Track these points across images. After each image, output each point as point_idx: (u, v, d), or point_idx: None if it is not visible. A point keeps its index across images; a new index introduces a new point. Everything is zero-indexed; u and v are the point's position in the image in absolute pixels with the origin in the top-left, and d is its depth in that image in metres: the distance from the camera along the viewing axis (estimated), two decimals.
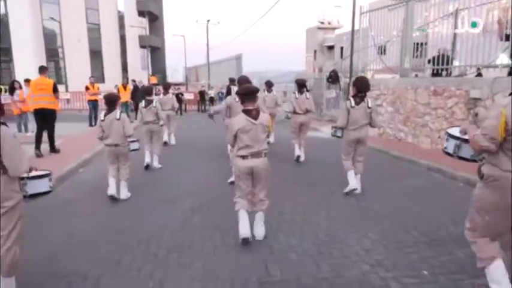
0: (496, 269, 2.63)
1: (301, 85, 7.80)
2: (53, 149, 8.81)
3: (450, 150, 3.14)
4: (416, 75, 10.97)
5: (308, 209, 4.92)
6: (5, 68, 31.98)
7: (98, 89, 14.89)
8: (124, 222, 4.61)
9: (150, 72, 43.97)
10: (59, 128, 9.78)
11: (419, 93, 9.04)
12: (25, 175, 2.90)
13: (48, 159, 7.91)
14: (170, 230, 4.32)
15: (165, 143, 9.86)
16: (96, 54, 37.78)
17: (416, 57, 11.40)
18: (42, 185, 3.22)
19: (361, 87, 5.28)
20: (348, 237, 4.04)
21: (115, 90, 15.22)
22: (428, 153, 7.80)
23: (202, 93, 22.23)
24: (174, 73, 53.97)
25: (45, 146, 8.73)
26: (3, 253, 2.63)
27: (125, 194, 5.60)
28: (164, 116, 9.16)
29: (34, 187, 3.09)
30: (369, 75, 12.62)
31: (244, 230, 3.83)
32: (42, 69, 8.95)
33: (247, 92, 3.84)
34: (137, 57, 41.09)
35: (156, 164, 7.59)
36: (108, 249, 3.82)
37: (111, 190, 5.44)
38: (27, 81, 11.72)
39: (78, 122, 14.35)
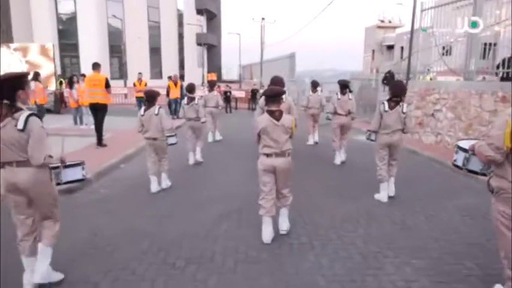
0: None
1: (343, 86, 7.72)
2: (100, 143, 9.09)
3: (459, 163, 3.12)
4: (483, 79, 9.93)
5: (345, 224, 4.47)
6: (73, 64, 34.10)
7: (146, 85, 14.61)
8: (150, 225, 4.45)
9: (206, 70, 44.89)
10: (112, 121, 10.06)
11: (485, 99, 8.11)
12: (60, 164, 3.19)
13: (93, 152, 8.10)
14: (194, 238, 4.09)
15: (217, 141, 10.34)
16: (155, 51, 39.13)
17: (484, 58, 10.37)
18: (75, 173, 3.49)
19: (397, 91, 5.26)
20: (386, 262, 3.55)
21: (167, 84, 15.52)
22: None
23: (253, 92, 22.11)
24: (229, 71, 54.64)
25: (92, 140, 9.02)
26: (51, 225, 3.07)
27: (166, 184, 6.00)
28: (208, 112, 9.53)
29: (68, 175, 3.38)
30: (428, 77, 11.74)
31: (266, 236, 3.97)
32: (95, 66, 9.26)
33: (271, 94, 3.96)
34: (194, 55, 41.97)
35: (198, 157, 7.74)
36: (126, 255, 3.66)
37: (154, 188, 5.80)
38: (83, 76, 12.22)
39: (133, 116, 14.72)
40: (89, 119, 11.89)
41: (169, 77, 17.50)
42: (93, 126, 11.29)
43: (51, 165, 3.04)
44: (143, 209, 5.07)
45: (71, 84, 12.78)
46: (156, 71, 37.69)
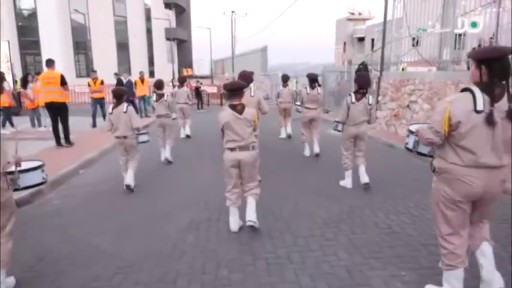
0: (456, 276, 2.68)
1: (312, 80, 7.73)
2: (68, 141, 8.80)
3: (410, 146, 3.30)
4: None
5: (326, 230, 4.06)
6: (37, 62, 32.37)
7: (102, 83, 12.41)
8: (106, 243, 3.89)
9: (177, 65, 43.82)
10: (75, 122, 9.44)
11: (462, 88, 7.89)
12: (15, 169, 2.99)
13: (49, 156, 7.38)
14: (156, 256, 3.57)
15: (188, 136, 10.32)
16: (123, 47, 37.74)
17: (455, 49, 10.25)
18: (34, 177, 3.30)
19: (362, 83, 5.41)
20: (373, 276, 3.15)
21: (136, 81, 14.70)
22: None
23: None
24: (201, 66, 53.67)
25: (50, 143, 8.28)
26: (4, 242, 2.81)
27: (130, 180, 5.65)
28: (178, 109, 9.75)
29: (27, 180, 3.18)
30: (400, 68, 11.57)
31: (233, 225, 4.08)
32: (49, 63, 8.77)
33: (233, 89, 3.99)
34: (163, 50, 40.78)
35: (168, 155, 7.50)
36: (74, 283, 3.11)
37: (127, 181, 5.60)
38: (38, 74, 11.35)
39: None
40: (46, 120, 11.09)
41: (116, 74, 16.81)
42: (51, 128, 10.59)
43: (4, 170, 2.80)
44: (100, 222, 4.49)
45: (25, 84, 11.85)
46: (125, 67, 36.32)
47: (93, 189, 5.80)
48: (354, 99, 5.34)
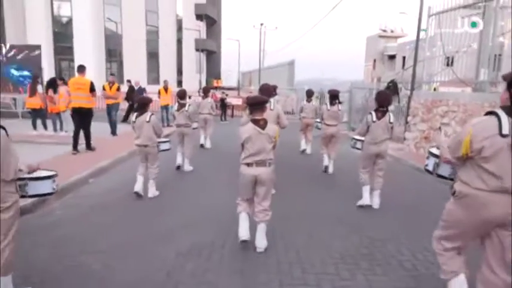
0: (457, 284, 2.70)
1: (333, 96, 7.66)
2: (89, 146, 8.82)
3: (430, 168, 3.26)
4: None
5: (341, 267, 3.58)
6: (71, 67, 33.28)
7: (118, 89, 11.74)
8: (99, 263, 3.57)
9: (205, 76, 44.21)
10: (96, 127, 9.42)
11: None
12: (26, 176, 2.92)
13: (62, 162, 7.24)
14: (147, 283, 3.22)
15: (202, 146, 10.25)
16: (153, 56, 38.42)
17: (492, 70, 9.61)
18: (44, 186, 3.21)
19: (383, 102, 5.34)
20: None
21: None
22: None
23: None
24: (229, 77, 54.00)
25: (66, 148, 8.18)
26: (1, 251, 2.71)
27: (152, 192, 5.78)
28: (201, 119, 9.99)
29: (35, 188, 3.10)
30: (432, 88, 10.96)
31: (243, 232, 3.89)
32: (80, 69, 8.94)
33: (255, 103, 3.88)
34: (192, 60, 41.23)
35: (186, 166, 7.56)
36: None
37: (137, 187, 5.64)
38: (61, 80, 11.42)
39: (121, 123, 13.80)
40: (68, 125, 11.07)
41: (129, 81, 16.27)
42: (72, 133, 10.56)
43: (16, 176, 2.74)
44: (98, 239, 4.19)
45: (50, 88, 11.87)
46: (154, 76, 36.94)
47: (99, 200, 5.55)
48: (374, 118, 5.24)
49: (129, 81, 16.72)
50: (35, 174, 3.08)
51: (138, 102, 5.88)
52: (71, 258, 3.67)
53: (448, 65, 9.93)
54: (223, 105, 19.40)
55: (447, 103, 8.69)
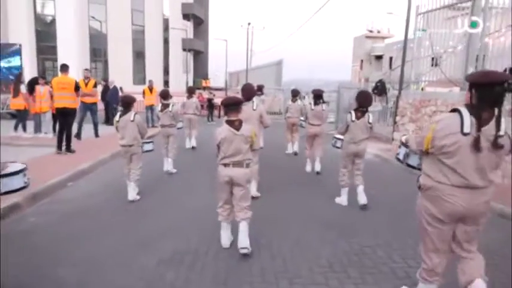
0: None
1: (317, 96, 7.72)
2: (69, 149, 8.48)
3: (401, 157, 3.31)
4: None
5: (332, 277, 3.38)
6: (55, 67, 32.59)
7: (95, 86, 10.82)
8: (72, 276, 3.32)
9: (192, 76, 43.79)
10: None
11: None
12: None
13: (40, 165, 6.91)
14: None
15: (193, 148, 10.15)
16: (139, 56, 37.92)
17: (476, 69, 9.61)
18: (15, 182, 3.09)
19: (363, 102, 5.37)
20: None
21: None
22: (505, 189, 5.90)
23: None
24: (216, 78, 53.60)
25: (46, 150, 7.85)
26: None
27: (132, 196, 5.53)
28: (186, 119, 9.89)
29: (7, 185, 3.00)
30: (420, 88, 10.90)
31: (225, 240, 3.94)
32: (63, 68, 8.70)
33: (229, 103, 3.86)
34: (179, 61, 40.81)
35: (170, 168, 7.43)
36: None
37: (131, 196, 5.52)
38: (43, 78, 11.05)
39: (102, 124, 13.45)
40: (48, 127, 10.72)
41: (105, 80, 15.60)
42: (51, 135, 10.24)
43: None
44: (73, 248, 3.92)
45: (31, 88, 11.48)
46: (140, 76, 36.46)
47: (77, 206, 5.27)
48: (354, 117, 5.30)
49: (105, 80, 16.33)
50: (3, 171, 3.03)
51: (121, 101, 5.73)
52: (45, 271, 3.40)
53: (435, 65, 9.89)
54: (210, 105, 19.15)
55: (435, 103, 8.62)
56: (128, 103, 5.64)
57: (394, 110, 10.06)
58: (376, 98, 12.30)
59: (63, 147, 8.41)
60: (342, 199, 5.59)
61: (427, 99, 8.96)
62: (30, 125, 11.14)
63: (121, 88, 14.47)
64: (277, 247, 3.98)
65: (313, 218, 4.97)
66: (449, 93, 8.81)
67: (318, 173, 7.53)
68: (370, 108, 12.60)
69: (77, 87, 8.44)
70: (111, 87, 13.85)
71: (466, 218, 2.53)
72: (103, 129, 11.57)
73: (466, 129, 2.37)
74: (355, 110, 5.36)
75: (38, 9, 32.49)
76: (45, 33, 32.36)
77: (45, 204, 5.36)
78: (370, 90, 12.32)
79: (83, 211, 5.07)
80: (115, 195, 5.79)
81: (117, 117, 5.60)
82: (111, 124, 12.18)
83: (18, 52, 14.86)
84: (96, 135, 11.02)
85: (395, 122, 10.04)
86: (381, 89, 11.91)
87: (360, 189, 5.45)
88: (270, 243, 4.06)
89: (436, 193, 2.54)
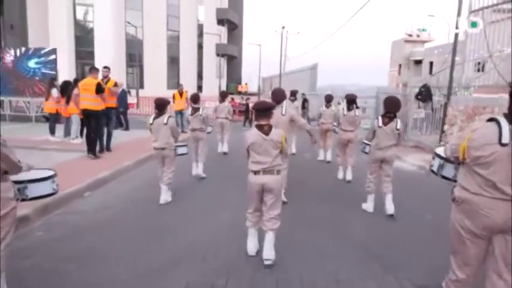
0: None
1: (350, 101, 7.40)
2: (93, 152, 8.17)
3: (435, 169, 3.21)
4: None
5: None
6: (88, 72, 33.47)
7: (116, 86, 9.40)
8: None
9: (226, 81, 43.74)
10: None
11: None
12: (25, 178, 2.89)
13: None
14: None
15: (225, 153, 9.96)
16: (173, 61, 38.28)
17: None
18: (44, 188, 3.12)
19: (390, 107, 5.19)
20: None
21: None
22: None
23: None
24: (250, 83, 53.38)
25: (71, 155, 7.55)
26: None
27: (164, 199, 5.52)
28: (218, 123, 9.93)
29: (35, 190, 3.02)
30: (466, 93, 9.90)
31: (251, 247, 3.80)
32: (91, 70, 8.63)
33: (260, 109, 3.77)
34: (213, 66, 40.87)
35: (200, 172, 7.29)
36: None
37: (163, 200, 5.50)
38: (76, 82, 10.86)
39: (140, 128, 13.13)
40: (77, 131, 10.49)
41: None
42: (76, 140, 10.02)
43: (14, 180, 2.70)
44: (71, 272, 3.41)
45: (64, 90, 11.31)
46: (174, 81, 36.70)
47: (88, 219, 4.83)
48: (380, 123, 5.15)
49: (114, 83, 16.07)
50: (32, 176, 2.99)
51: (156, 103, 5.66)
52: None
53: (478, 70, 9.00)
54: (247, 110, 18.81)
55: (492, 110, 7.63)
56: (162, 105, 5.56)
57: (442, 117, 9.10)
58: (419, 103, 11.33)
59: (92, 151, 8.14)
60: (368, 206, 5.42)
61: (482, 106, 7.98)
62: (60, 128, 11.01)
63: (129, 91, 14.17)
64: (310, 283, 3.29)
65: (350, 242, 4.26)
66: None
67: (348, 181, 7.22)
68: (414, 116, 11.71)
69: (98, 89, 8.03)
70: (119, 90, 13.46)
71: (505, 229, 2.37)
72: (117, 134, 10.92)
73: (505, 140, 2.25)
74: (383, 116, 5.21)
75: (78, 16, 33.43)
76: (84, 39, 33.26)
77: (56, 216, 4.93)
78: (412, 96, 11.40)
79: (93, 226, 4.60)
80: (132, 207, 5.35)
81: (150, 120, 5.53)
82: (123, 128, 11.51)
83: (53, 56, 14.96)
84: (107, 147, 9.10)
85: (443, 131, 9.08)
86: (425, 94, 10.90)
87: (388, 198, 5.19)
88: (301, 277, 3.38)
89: (471, 206, 2.43)
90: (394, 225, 4.86)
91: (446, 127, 9.03)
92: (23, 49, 15.41)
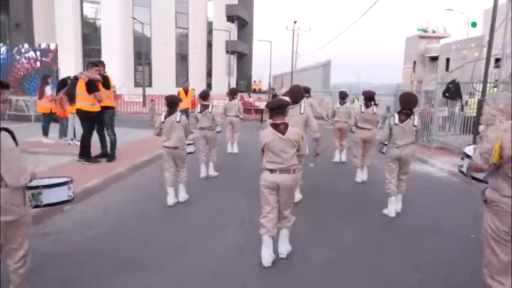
0: None
1: (369, 98, 7.09)
2: (83, 156, 7.33)
3: (464, 169, 3.18)
4: None
5: None
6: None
7: (105, 84, 7.51)
8: None
9: (235, 79, 42.93)
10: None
11: None
12: (40, 183, 2.84)
13: None
14: None
15: (235, 154, 9.64)
16: (182, 59, 37.59)
17: None
18: (59, 194, 3.03)
19: (406, 103, 5.06)
20: None
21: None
22: None
23: None
24: (260, 80, 52.53)
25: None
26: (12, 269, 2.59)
27: (183, 196, 5.51)
28: (228, 122, 9.63)
29: (50, 196, 2.95)
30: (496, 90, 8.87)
31: (266, 259, 3.58)
32: (88, 67, 7.86)
33: (275, 107, 3.67)
34: (222, 63, 40.08)
35: (211, 172, 7.14)
36: None
37: (170, 201, 5.32)
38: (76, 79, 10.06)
39: (142, 128, 12.31)
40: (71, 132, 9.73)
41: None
42: (72, 141, 9.38)
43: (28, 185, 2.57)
44: None
45: (62, 88, 10.52)
46: (183, 79, 35.99)
47: (62, 243, 3.99)
48: (397, 121, 5.01)
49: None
50: (47, 181, 2.95)
51: (167, 101, 5.51)
52: None
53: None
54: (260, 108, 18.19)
55: None
56: (173, 103, 5.41)
57: (476, 117, 8.07)
58: (447, 101, 10.29)
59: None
60: (390, 210, 5.15)
61: None
62: (55, 128, 10.25)
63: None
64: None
65: (375, 274, 3.34)
66: None
67: (363, 181, 7.03)
68: (437, 114, 10.66)
69: (88, 88, 7.06)
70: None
71: None
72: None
73: None
74: (399, 113, 5.07)
75: (85, 13, 32.90)
76: (91, 36, 32.74)
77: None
78: (438, 93, 10.38)
79: (67, 255, 3.73)
80: (119, 225, 4.48)
81: (161, 118, 5.36)
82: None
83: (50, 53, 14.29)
84: (113, 154, 7.74)
85: (478, 133, 8.07)
86: (454, 91, 9.87)
87: (399, 197, 5.22)
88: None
89: (503, 207, 2.35)
90: (433, 249, 3.90)
91: (481, 127, 8.03)
92: (22, 46, 14.79)
